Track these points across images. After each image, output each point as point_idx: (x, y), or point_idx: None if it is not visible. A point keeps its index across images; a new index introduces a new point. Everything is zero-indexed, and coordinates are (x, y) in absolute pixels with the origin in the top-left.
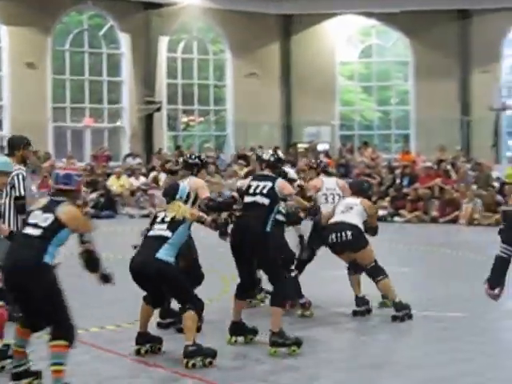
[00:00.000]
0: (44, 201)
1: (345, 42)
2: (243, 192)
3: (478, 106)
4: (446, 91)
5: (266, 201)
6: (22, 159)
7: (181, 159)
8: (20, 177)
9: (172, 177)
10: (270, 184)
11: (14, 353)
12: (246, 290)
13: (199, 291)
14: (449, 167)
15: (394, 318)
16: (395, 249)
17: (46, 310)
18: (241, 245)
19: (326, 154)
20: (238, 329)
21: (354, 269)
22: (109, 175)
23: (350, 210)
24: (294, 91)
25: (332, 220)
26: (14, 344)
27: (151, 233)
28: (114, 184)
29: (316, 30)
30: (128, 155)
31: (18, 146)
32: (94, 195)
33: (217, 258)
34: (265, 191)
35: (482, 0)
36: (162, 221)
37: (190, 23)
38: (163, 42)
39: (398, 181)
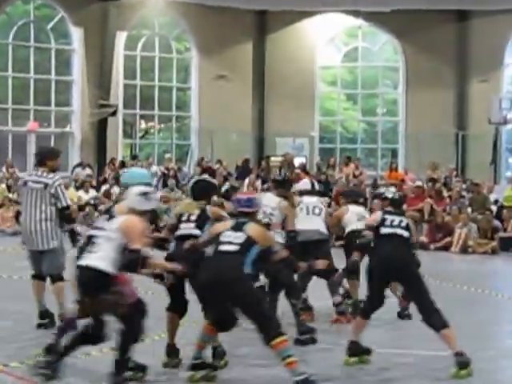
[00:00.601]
0: (230, 222)
1: (326, 44)
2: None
3: (475, 119)
4: (439, 102)
5: None
6: (52, 170)
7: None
8: (62, 187)
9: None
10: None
11: (196, 346)
12: None
13: None
14: (441, 187)
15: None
16: None
17: (252, 313)
18: None
19: (303, 168)
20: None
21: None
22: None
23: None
24: (268, 97)
25: None
26: (199, 338)
27: None
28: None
29: (294, 28)
30: (77, 165)
31: (50, 156)
32: None
33: None
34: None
35: (482, 0)
36: None
37: (151, 17)
38: (121, 38)
39: None
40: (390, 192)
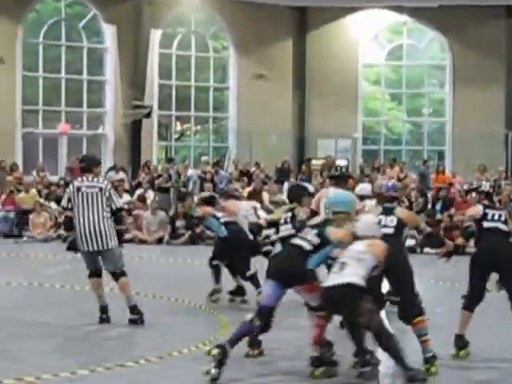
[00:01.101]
0: (380, 209)
1: (370, 41)
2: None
3: None
4: (488, 101)
5: None
6: (97, 176)
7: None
8: (113, 190)
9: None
10: None
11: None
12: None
13: None
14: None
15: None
16: (428, 286)
17: (404, 290)
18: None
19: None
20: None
21: None
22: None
23: None
24: (308, 97)
25: None
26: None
27: None
28: None
29: (336, 25)
30: (110, 168)
31: (95, 164)
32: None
33: None
34: None
35: None
36: None
37: (187, 14)
38: (155, 36)
39: (430, 205)
40: (485, 185)
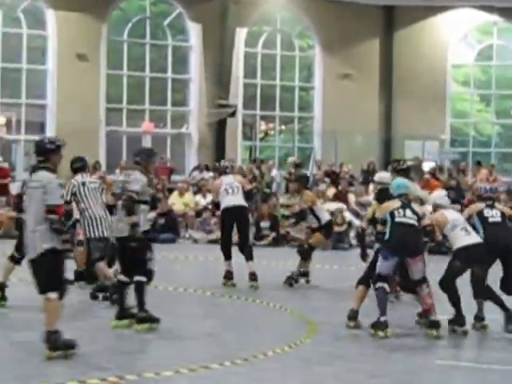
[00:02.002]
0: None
1: (459, 41)
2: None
3: None
4: None
5: None
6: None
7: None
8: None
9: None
10: None
11: None
12: None
13: None
14: None
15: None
16: None
17: None
18: None
19: (433, 174)
20: None
21: None
22: (171, 191)
23: None
24: (395, 97)
25: None
26: None
27: None
28: (176, 202)
29: (424, 25)
30: (195, 168)
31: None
32: (152, 214)
33: None
34: None
35: None
36: None
37: (273, 13)
38: (241, 35)
39: None
40: None
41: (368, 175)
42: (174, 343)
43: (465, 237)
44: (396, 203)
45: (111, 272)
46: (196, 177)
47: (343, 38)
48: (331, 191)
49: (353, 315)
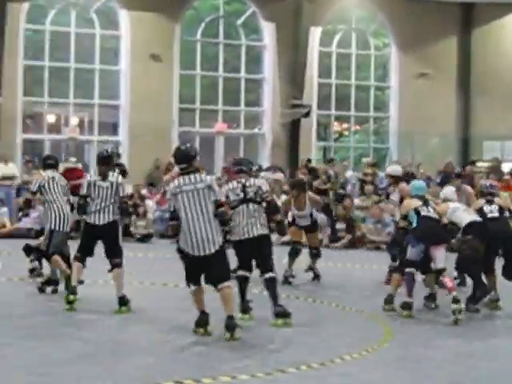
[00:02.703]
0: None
1: None
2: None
3: None
4: None
5: None
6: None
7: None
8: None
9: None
10: None
11: None
12: None
13: None
14: None
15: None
16: None
17: None
18: None
19: None
20: None
21: None
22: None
23: None
24: (474, 96)
25: None
26: None
27: None
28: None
29: (504, 22)
30: (267, 168)
31: (194, 157)
32: None
33: None
34: None
35: None
36: None
37: (348, 11)
38: (315, 34)
39: None
40: None
41: (445, 176)
42: (250, 347)
43: (468, 216)
44: (417, 202)
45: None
46: (268, 177)
47: (419, 36)
48: None
49: (389, 299)
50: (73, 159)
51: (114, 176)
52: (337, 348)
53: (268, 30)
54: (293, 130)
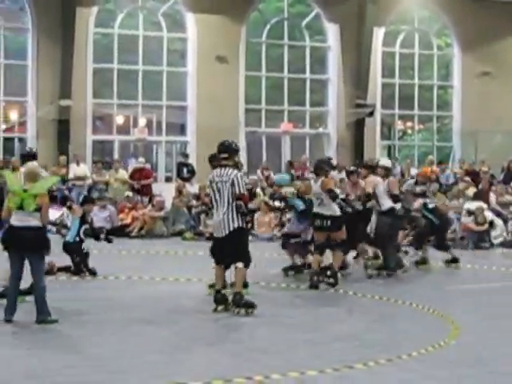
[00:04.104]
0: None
1: None
2: None
3: None
4: None
5: None
6: (236, 165)
7: None
8: (239, 176)
9: None
10: None
11: None
12: None
13: None
14: None
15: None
16: None
17: None
18: None
19: None
20: None
21: None
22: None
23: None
24: None
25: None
26: None
27: None
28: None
29: None
30: (333, 168)
31: (236, 152)
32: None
33: None
34: None
35: None
36: None
37: (410, 12)
38: (378, 34)
39: None
40: None
41: (508, 174)
42: (318, 343)
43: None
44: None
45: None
46: (334, 177)
47: (481, 36)
48: (472, 190)
49: None
50: (141, 159)
51: None
52: (404, 345)
53: (332, 31)
54: (357, 129)
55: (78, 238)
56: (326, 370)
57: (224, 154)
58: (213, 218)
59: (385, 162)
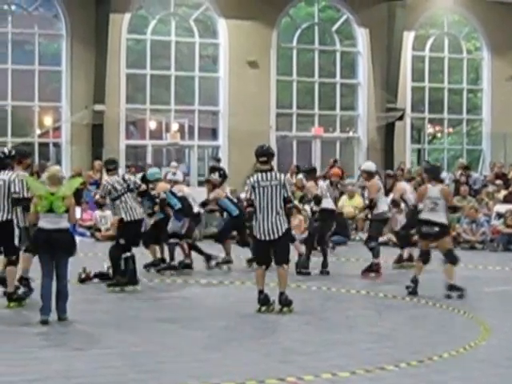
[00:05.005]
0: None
1: None
2: None
3: None
4: None
5: None
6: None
7: None
8: (288, 179)
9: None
10: None
11: None
12: None
13: None
14: None
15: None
16: None
17: None
18: None
19: None
20: None
21: None
22: (341, 194)
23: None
24: None
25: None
26: None
27: None
28: (346, 205)
29: None
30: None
31: (273, 156)
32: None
33: None
34: None
35: None
36: None
37: (440, 16)
38: (408, 38)
39: None
40: None
41: None
42: (350, 344)
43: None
44: None
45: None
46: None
47: (511, 39)
48: (502, 193)
49: None
50: (174, 164)
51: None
52: (435, 346)
53: (362, 35)
54: (387, 133)
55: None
56: (358, 371)
57: (263, 157)
58: (256, 221)
59: (367, 165)
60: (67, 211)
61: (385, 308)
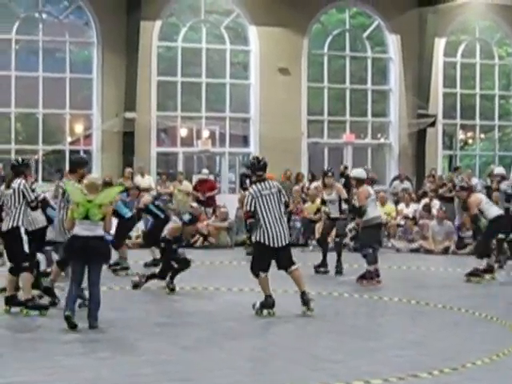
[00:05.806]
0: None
1: None
2: None
3: None
4: None
5: None
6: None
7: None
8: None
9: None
10: None
11: None
12: None
13: None
14: None
15: None
16: None
17: None
18: None
19: None
20: None
21: None
22: None
23: None
24: None
25: None
26: None
27: None
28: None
29: None
30: (395, 178)
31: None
32: (352, 225)
33: None
34: None
35: None
36: None
37: (471, 22)
38: (439, 45)
39: None
40: None
41: None
42: (382, 351)
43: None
44: None
45: None
46: (397, 187)
47: None
48: None
49: None
50: (205, 171)
51: (16, 183)
52: (468, 353)
53: (393, 42)
54: (419, 139)
55: None
56: (391, 378)
57: (260, 171)
58: (262, 229)
59: (357, 172)
60: (103, 219)
61: (417, 315)
